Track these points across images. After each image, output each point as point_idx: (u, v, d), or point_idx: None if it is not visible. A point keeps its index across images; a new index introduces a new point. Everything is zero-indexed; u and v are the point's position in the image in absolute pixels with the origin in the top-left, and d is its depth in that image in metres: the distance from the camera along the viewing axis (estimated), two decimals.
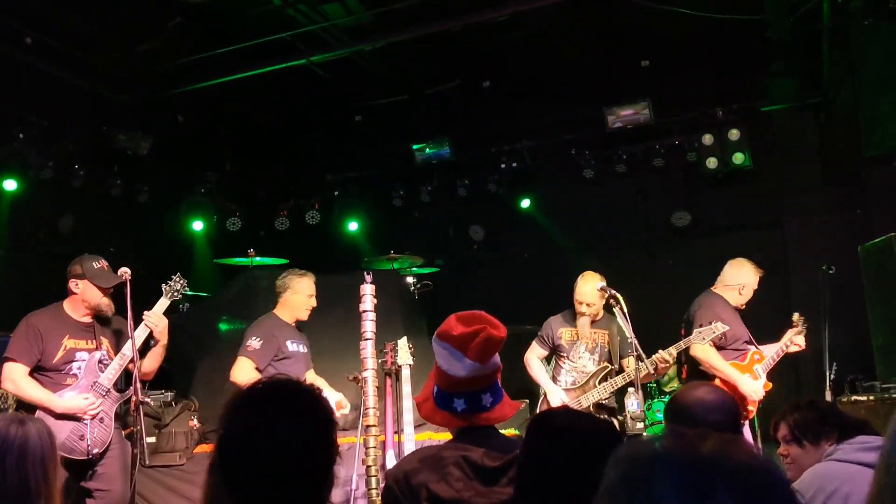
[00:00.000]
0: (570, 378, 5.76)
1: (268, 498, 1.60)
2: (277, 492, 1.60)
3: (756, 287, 6.07)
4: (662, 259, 9.22)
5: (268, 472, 1.59)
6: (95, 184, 8.58)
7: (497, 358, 2.51)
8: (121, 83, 8.15)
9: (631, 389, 5.00)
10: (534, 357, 5.94)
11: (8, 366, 4.63)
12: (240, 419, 1.68)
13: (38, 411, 4.57)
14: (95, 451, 4.70)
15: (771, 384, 5.87)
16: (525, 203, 9.47)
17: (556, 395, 5.67)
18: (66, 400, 4.66)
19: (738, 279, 6.05)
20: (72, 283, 4.85)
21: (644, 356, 5.15)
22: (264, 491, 1.59)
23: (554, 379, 5.82)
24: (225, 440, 1.67)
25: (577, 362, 5.74)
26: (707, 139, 8.51)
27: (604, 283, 5.42)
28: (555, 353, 5.90)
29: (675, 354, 5.49)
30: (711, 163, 8.51)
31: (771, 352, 5.91)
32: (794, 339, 5.95)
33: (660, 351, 5.43)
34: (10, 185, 7.49)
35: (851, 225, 7.66)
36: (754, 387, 5.67)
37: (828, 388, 6.37)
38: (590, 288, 5.63)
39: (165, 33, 7.74)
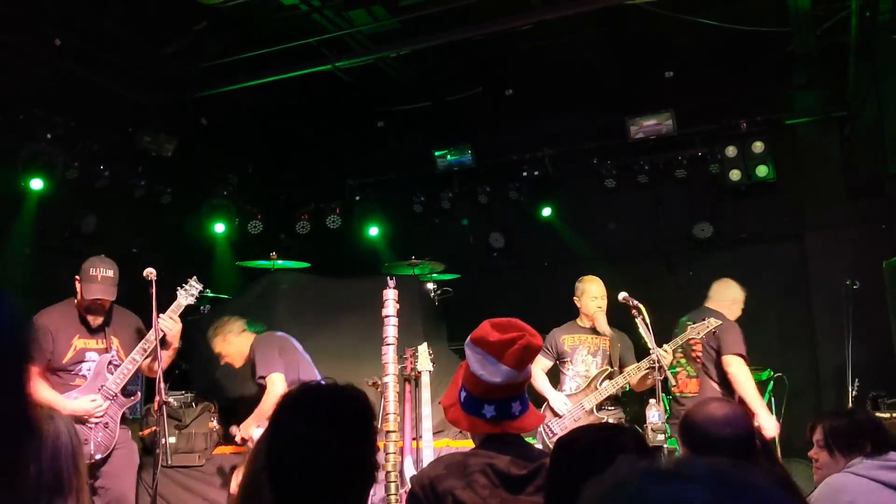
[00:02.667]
0: (574, 384, 5.72)
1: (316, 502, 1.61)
2: (326, 497, 1.61)
3: None
4: (682, 270, 9.18)
5: (319, 478, 1.60)
6: (119, 184, 8.64)
7: (530, 367, 2.52)
8: (146, 85, 8.21)
9: (652, 401, 4.97)
10: (537, 368, 5.69)
11: None
12: (290, 425, 1.68)
13: None
14: (98, 456, 4.71)
15: None
16: (546, 211, 9.45)
17: (558, 401, 5.61)
18: (73, 402, 4.65)
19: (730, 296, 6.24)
20: (76, 280, 4.87)
21: (665, 367, 5.13)
22: (313, 496, 1.60)
23: (559, 388, 5.77)
24: (275, 447, 1.67)
25: (579, 366, 5.71)
26: (730, 151, 8.47)
27: (626, 294, 5.39)
28: (558, 363, 5.85)
29: (670, 351, 5.45)
30: (734, 175, 8.47)
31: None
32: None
33: (662, 347, 5.41)
34: (37, 184, 7.55)
35: (875, 240, 7.60)
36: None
37: (849, 404, 6.32)
38: (598, 285, 5.80)
39: (191, 37, 7.80)
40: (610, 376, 5.65)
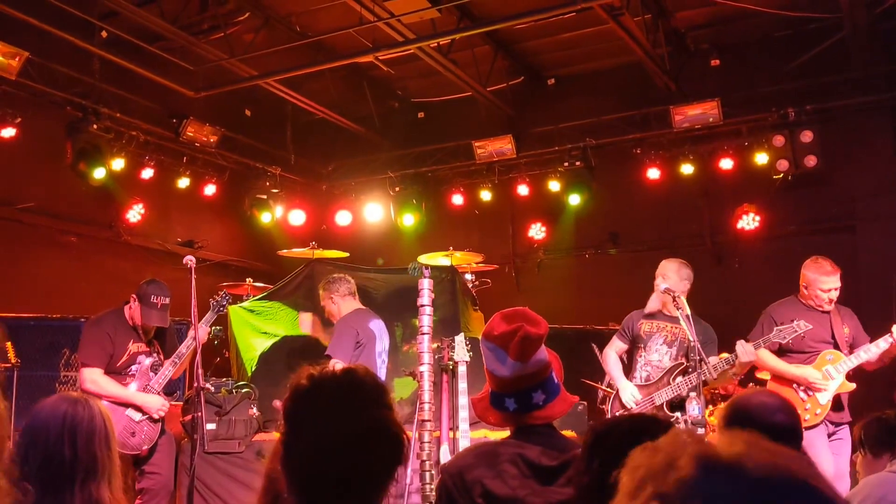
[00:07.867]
0: (644, 373, 5.40)
1: (344, 493, 1.59)
2: (351, 489, 1.59)
3: (823, 286, 5.63)
4: (729, 262, 9.02)
5: (340, 470, 1.58)
6: (164, 175, 8.80)
7: (542, 355, 2.44)
8: (190, 76, 8.31)
9: (693, 394, 4.86)
10: (611, 351, 5.59)
11: (87, 370, 5.04)
12: (304, 420, 1.65)
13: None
14: (145, 447, 5.06)
15: (853, 385, 5.43)
16: (587, 203, 9.32)
17: (626, 392, 5.32)
18: (145, 395, 5.06)
19: (804, 278, 5.77)
20: (131, 299, 5.19)
21: (707, 360, 5.00)
22: (339, 486, 1.58)
23: (629, 375, 5.47)
24: (292, 443, 1.64)
25: (652, 356, 5.39)
26: (778, 140, 8.26)
27: (668, 285, 5.30)
28: (633, 348, 5.53)
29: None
30: (782, 165, 8.27)
31: (856, 352, 5.44)
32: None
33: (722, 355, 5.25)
34: (85, 174, 7.70)
35: None
36: (806, 372, 5.19)
37: None
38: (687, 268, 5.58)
39: (234, 27, 7.88)
40: (684, 371, 5.26)
